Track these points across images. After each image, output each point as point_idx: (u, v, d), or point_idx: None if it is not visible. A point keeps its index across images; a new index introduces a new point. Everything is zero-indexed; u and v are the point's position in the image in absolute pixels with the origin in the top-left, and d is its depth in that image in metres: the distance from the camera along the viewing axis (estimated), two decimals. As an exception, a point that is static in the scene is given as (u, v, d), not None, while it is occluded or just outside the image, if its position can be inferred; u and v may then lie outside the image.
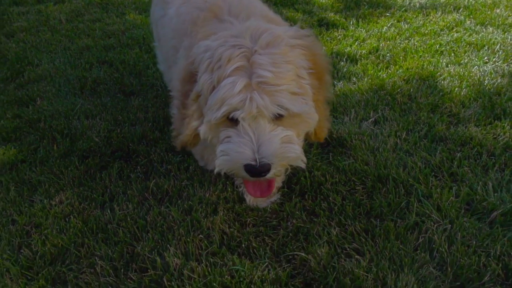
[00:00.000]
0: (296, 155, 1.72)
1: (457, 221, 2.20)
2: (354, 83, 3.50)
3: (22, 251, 2.23)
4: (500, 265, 1.96)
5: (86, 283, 2.05)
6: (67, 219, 2.40)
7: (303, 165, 1.78)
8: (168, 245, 2.17)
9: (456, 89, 3.30)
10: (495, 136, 2.79)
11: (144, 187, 2.58)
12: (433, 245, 2.08)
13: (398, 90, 3.34)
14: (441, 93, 3.27)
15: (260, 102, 1.59)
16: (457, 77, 3.47)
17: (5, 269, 2.14)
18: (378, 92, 3.34)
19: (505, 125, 2.86)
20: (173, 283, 1.98)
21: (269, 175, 1.69)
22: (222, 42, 1.70)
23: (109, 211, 2.42)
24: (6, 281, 2.08)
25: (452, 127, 2.90)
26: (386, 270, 1.97)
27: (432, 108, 3.11)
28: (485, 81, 3.38)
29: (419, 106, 3.13)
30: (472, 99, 3.18)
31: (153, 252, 2.15)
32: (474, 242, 2.07)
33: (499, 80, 3.39)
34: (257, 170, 1.64)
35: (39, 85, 3.83)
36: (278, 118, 1.68)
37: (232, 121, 1.69)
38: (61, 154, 2.92)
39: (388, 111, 3.10)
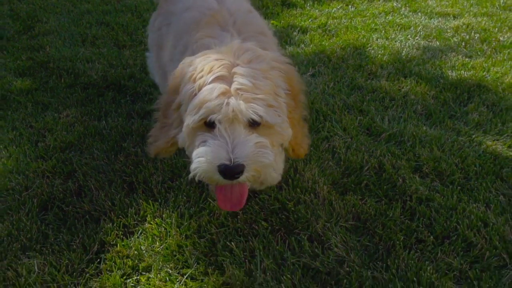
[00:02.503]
0: (269, 161, 1.67)
1: (356, 137, 2.91)
2: (302, 48, 4.19)
3: (38, 144, 2.88)
4: (377, 160, 2.69)
5: (86, 163, 2.71)
6: (72, 126, 3.05)
7: (275, 181, 1.79)
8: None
9: (379, 55, 4.02)
10: (399, 88, 3.51)
11: (131, 109, 3.24)
12: (335, 150, 2.80)
13: (335, 54, 4.04)
14: (367, 58, 3.98)
15: (236, 106, 1.59)
16: (382, 48, 4.19)
17: (27, 155, 2.78)
18: (319, 55, 4.04)
19: (409, 81, 3.59)
20: (149, 163, 2.66)
21: (241, 178, 1.64)
22: (205, 57, 1.74)
23: (104, 122, 3.08)
24: (28, 160, 2.73)
25: (369, 80, 3.62)
26: (299, 162, 2.68)
27: (357, 68, 3.82)
28: (403, 52, 4.11)
29: (348, 66, 3.84)
30: (389, 63, 3.90)
31: (136, 147, 2.83)
32: (363, 148, 2.80)
33: (414, 51, 4.12)
34: (231, 170, 1.59)
35: (48, 37, 4.43)
36: (253, 127, 1.68)
37: (209, 127, 1.68)
38: (67, 85, 3.56)
39: (324, 68, 3.81)
